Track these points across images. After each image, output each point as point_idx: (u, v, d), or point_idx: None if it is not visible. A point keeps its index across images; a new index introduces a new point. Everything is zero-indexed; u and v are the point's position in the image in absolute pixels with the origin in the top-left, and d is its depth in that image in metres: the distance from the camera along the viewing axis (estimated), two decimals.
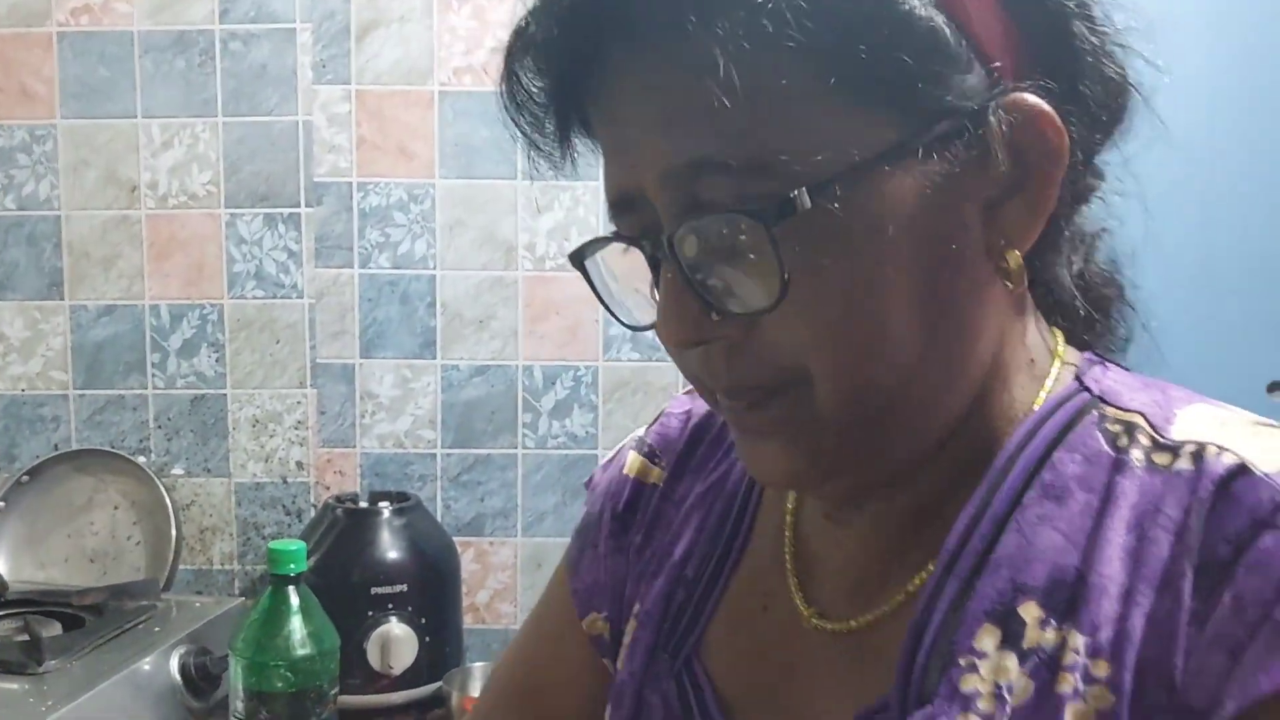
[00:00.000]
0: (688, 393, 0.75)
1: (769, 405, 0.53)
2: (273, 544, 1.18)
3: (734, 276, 0.50)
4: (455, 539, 1.60)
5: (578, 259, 0.58)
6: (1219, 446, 0.50)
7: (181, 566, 1.62)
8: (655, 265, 0.53)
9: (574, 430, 1.70)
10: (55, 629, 1.35)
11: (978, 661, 0.51)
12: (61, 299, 1.67)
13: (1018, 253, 0.52)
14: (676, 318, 0.52)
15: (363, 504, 1.54)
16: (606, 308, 0.58)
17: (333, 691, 1.22)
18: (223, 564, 1.70)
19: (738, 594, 0.65)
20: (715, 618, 0.65)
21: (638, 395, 1.69)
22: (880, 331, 0.50)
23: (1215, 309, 1.72)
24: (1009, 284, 0.53)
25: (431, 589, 1.50)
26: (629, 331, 1.63)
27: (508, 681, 0.79)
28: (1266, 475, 0.48)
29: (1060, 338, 0.59)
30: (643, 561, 0.70)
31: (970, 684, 0.51)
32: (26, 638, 1.28)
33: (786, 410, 0.52)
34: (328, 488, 1.69)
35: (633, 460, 0.74)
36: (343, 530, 1.50)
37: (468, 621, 1.63)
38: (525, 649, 0.79)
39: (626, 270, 0.57)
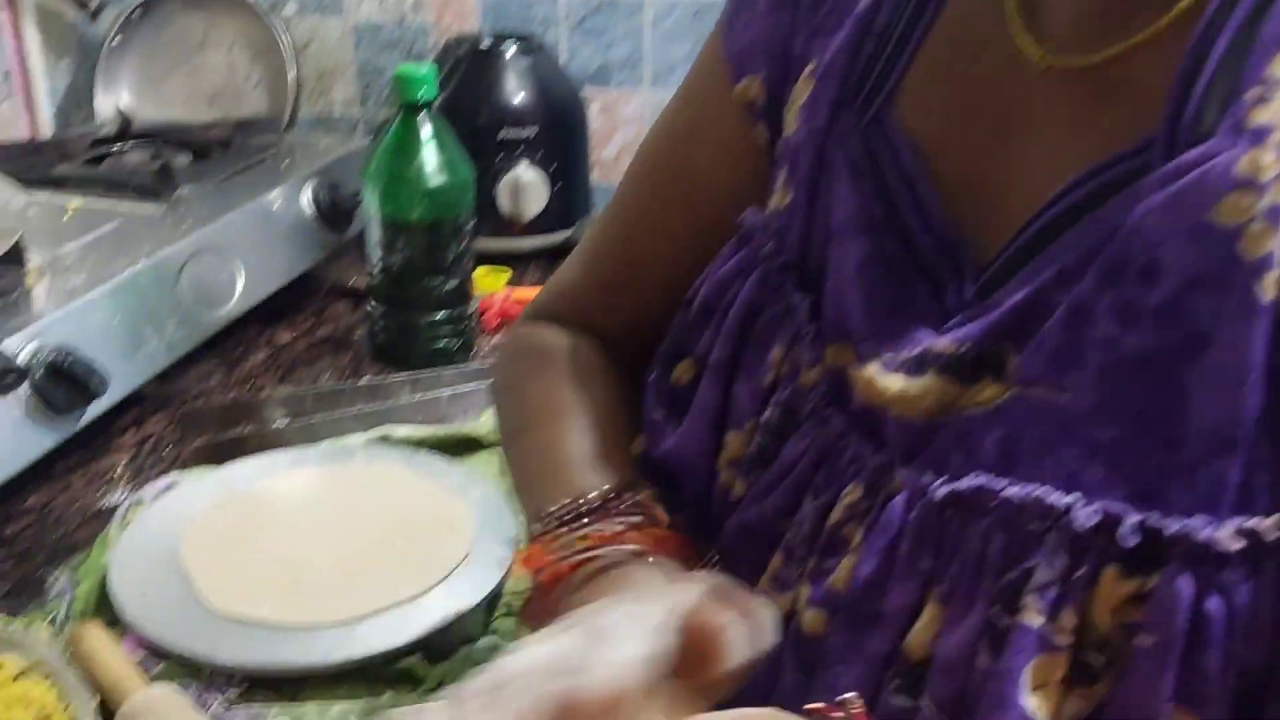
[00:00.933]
0: None
1: None
2: (401, 68, 1.12)
3: None
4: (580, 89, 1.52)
5: None
6: None
7: (302, 112, 1.57)
8: None
9: None
10: (185, 160, 1.33)
11: (1272, 91, 0.43)
12: None
13: None
14: None
15: (485, 45, 1.45)
16: None
17: (468, 225, 1.19)
18: (344, 109, 1.65)
19: (941, 41, 0.55)
20: (913, 70, 0.55)
21: None
22: None
23: None
24: None
25: (559, 135, 1.44)
26: None
27: (654, 154, 0.71)
28: None
29: None
30: (818, 16, 0.60)
31: (1262, 117, 0.43)
32: (158, 166, 1.27)
33: None
34: (449, 27, 1.59)
35: None
36: (467, 71, 1.42)
37: (594, 177, 1.57)
38: (672, 124, 0.70)
39: None
